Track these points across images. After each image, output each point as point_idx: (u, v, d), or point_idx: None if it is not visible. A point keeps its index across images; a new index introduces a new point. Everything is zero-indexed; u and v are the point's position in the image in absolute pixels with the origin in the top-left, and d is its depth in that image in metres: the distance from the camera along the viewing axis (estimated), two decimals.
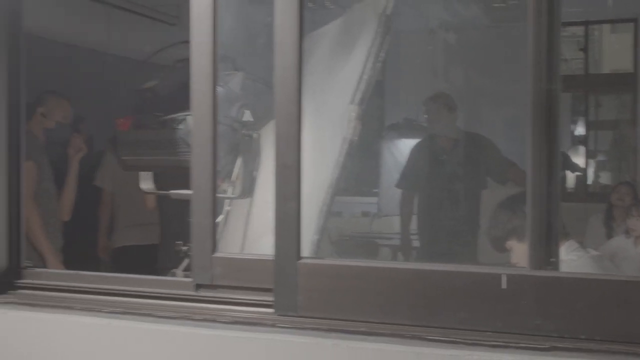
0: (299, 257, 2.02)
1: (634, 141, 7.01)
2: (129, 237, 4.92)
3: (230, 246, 2.86)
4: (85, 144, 5.24)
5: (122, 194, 4.88)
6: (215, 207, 2.14)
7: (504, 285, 1.84)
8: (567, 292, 1.80)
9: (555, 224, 1.87)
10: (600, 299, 1.77)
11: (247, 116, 2.58)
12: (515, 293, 1.83)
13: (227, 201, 2.89)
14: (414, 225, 5.30)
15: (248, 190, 2.67)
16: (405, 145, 6.18)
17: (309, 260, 2.03)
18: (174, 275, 2.91)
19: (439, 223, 5.02)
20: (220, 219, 2.82)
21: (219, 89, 2.36)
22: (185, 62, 2.85)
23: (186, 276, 2.80)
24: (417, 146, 5.33)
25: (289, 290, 2.02)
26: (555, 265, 1.89)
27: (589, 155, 7.66)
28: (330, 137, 2.55)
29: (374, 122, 6.89)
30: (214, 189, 2.12)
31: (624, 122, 7.94)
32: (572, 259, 2.92)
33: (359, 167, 5.91)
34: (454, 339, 1.86)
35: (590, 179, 7.81)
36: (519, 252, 3.00)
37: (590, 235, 5.34)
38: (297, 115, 1.99)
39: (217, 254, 2.13)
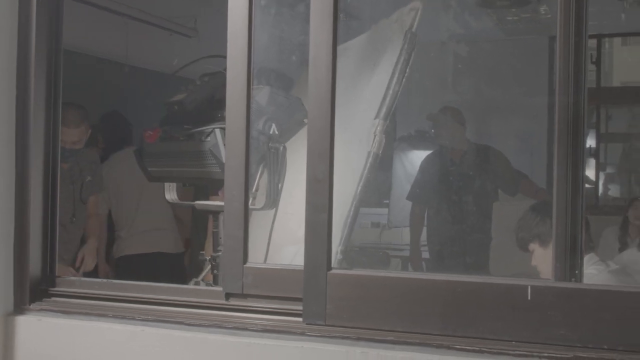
0: (329, 268, 2.07)
1: None
2: (129, 246, 4.93)
3: (252, 256, 2.91)
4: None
5: (119, 208, 4.89)
6: (247, 218, 2.19)
7: (529, 296, 1.89)
8: (591, 303, 1.85)
9: (580, 236, 1.92)
10: (623, 310, 1.82)
11: (274, 129, 2.63)
12: (541, 304, 1.88)
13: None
14: (423, 236, 5.34)
15: (273, 201, 2.72)
16: (416, 157, 6.22)
17: (338, 271, 2.08)
18: (196, 284, 2.97)
19: (450, 235, 5.06)
20: None
21: None
22: (210, 76, 2.92)
23: (207, 284, 2.86)
24: (427, 158, 5.38)
25: (318, 300, 2.07)
26: (579, 277, 1.94)
27: (600, 168, 7.69)
28: (354, 150, 2.61)
29: (386, 133, 6.91)
30: (247, 201, 2.18)
31: (634, 135, 7.98)
32: (592, 272, 3.00)
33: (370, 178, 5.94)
34: (480, 349, 1.92)
35: (600, 192, 7.83)
36: (539, 256, 3.13)
37: (603, 248, 5.37)
38: (329, 129, 2.05)
39: (248, 264, 2.19)
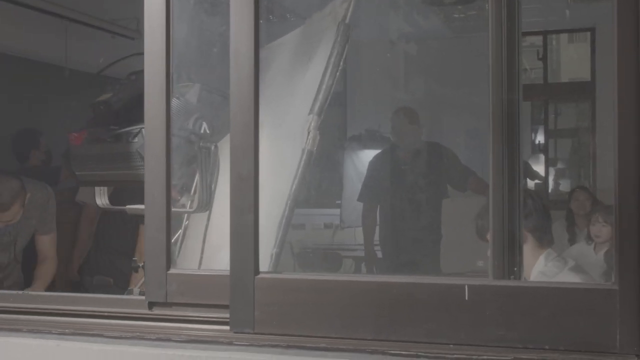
0: (257, 272, 1.96)
1: (593, 148, 7.09)
2: None
3: (189, 261, 2.79)
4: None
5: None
6: (170, 222, 2.07)
7: (466, 296, 1.81)
8: (530, 301, 1.77)
9: (518, 233, 1.84)
10: (563, 308, 1.75)
11: (204, 128, 2.52)
12: (478, 304, 1.80)
13: (185, 215, 2.83)
14: (376, 236, 5.29)
15: (206, 203, 2.60)
16: (367, 156, 6.19)
17: (267, 275, 1.97)
18: (130, 293, 2.84)
19: (401, 234, 5.02)
20: (178, 233, 2.76)
21: (175, 101, 2.30)
22: (139, 74, 2.79)
23: (142, 293, 2.73)
24: (376, 158, 5.35)
25: (245, 307, 1.96)
26: (518, 275, 1.86)
27: (549, 163, 7.74)
28: (289, 148, 2.51)
29: (336, 133, 6.89)
30: (169, 203, 2.05)
31: (582, 130, 8.05)
32: (553, 270, 2.95)
33: (321, 178, 5.90)
34: (416, 353, 1.82)
35: (550, 187, 7.89)
36: None
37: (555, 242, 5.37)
38: (253, 125, 1.94)
39: (172, 271, 2.06)
